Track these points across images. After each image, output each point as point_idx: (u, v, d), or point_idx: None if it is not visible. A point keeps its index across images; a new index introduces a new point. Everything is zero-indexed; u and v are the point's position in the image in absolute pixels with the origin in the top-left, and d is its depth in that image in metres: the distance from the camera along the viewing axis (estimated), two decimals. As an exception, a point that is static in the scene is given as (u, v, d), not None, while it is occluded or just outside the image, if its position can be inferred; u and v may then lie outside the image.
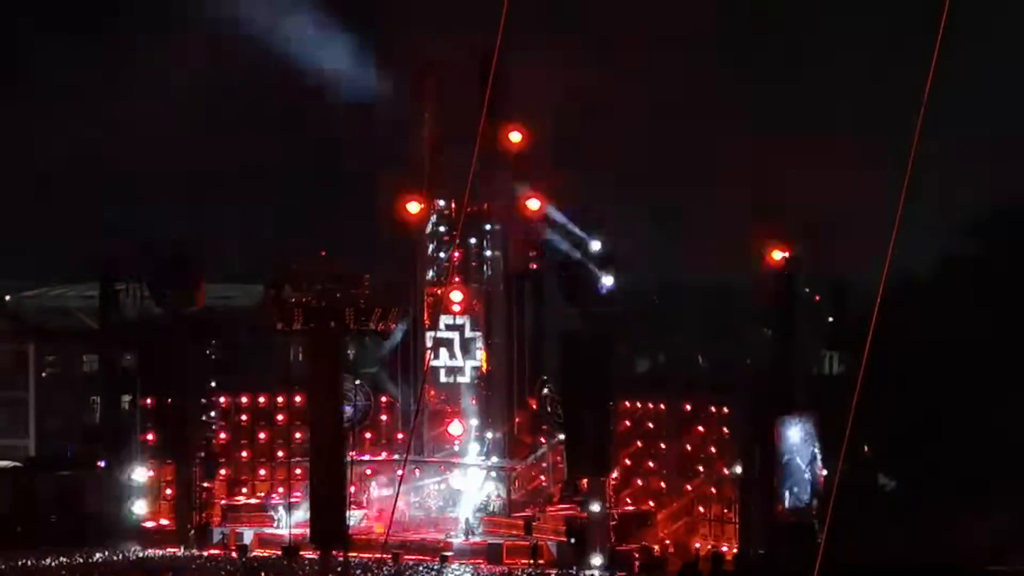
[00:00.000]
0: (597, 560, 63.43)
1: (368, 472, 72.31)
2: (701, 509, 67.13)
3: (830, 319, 67.99)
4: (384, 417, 73.90)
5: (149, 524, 69.87)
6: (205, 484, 70.78)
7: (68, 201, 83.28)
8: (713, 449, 66.94)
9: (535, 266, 72.45)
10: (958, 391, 70.12)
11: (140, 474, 70.11)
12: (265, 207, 77.56)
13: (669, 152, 77.60)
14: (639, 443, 69.68)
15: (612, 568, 63.12)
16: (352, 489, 65.35)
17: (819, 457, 66.75)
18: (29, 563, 61.93)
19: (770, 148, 76.96)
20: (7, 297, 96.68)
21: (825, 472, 67.23)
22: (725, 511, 66.00)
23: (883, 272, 24.32)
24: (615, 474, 66.63)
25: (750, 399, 65.95)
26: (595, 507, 64.42)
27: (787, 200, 72.01)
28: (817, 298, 70.09)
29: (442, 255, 73.17)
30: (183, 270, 69.58)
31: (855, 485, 73.01)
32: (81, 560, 63.03)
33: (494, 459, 71.21)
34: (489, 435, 72.09)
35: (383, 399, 73.73)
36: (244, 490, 72.79)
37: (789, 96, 79.15)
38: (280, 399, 73.20)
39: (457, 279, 72.71)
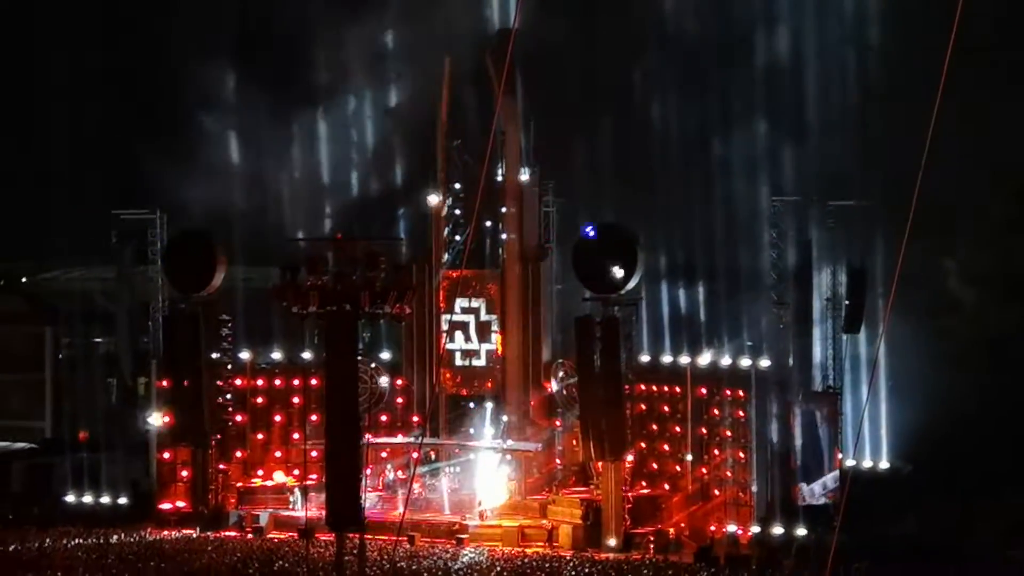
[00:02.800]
0: (612, 542, 63.58)
1: (384, 455, 72.42)
2: (717, 492, 67.05)
3: (847, 303, 67.86)
4: (400, 400, 74.00)
5: (165, 506, 70.08)
6: (221, 466, 70.94)
7: (85, 181, 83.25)
8: (728, 432, 66.83)
9: (551, 248, 72.45)
10: (977, 375, 70.10)
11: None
12: (280, 188, 77.51)
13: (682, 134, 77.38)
14: (654, 426, 69.64)
15: (627, 551, 63.12)
16: (368, 472, 65.34)
17: (835, 441, 66.78)
18: (46, 544, 62.06)
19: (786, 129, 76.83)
20: (24, 279, 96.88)
21: (841, 455, 67.29)
22: (741, 494, 65.92)
23: (899, 255, 24.28)
24: (630, 457, 66.59)
25: (766, 382, 65.88)
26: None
27: (807, 182, 71.92)
28: (834, 281, 70.08)
29: (457, 238, 73.16)
30: (199, 252, 69.62)
31: (871, 468, 73.24)
32: (97, 541, 63.13)
33: (509, 442, 71.20)
34: (504, 418, 72.09)
35: (399, 382, 73.83)
36: (260, 472, 72.91)
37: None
38: (296, 381, 73.31)
39: (472, 262, 72.65)
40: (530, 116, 71.69)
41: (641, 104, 76.91)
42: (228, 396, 71.46)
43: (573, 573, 56.92)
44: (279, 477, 70.90)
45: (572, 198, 73.82)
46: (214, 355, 70.41)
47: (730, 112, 77.51)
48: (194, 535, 67.18)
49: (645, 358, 69.89)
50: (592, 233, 65.22)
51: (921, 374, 70.71)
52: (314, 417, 70.98)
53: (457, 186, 73.05)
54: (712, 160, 76.13)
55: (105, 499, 71.92)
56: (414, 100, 74.75)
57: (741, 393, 66.41)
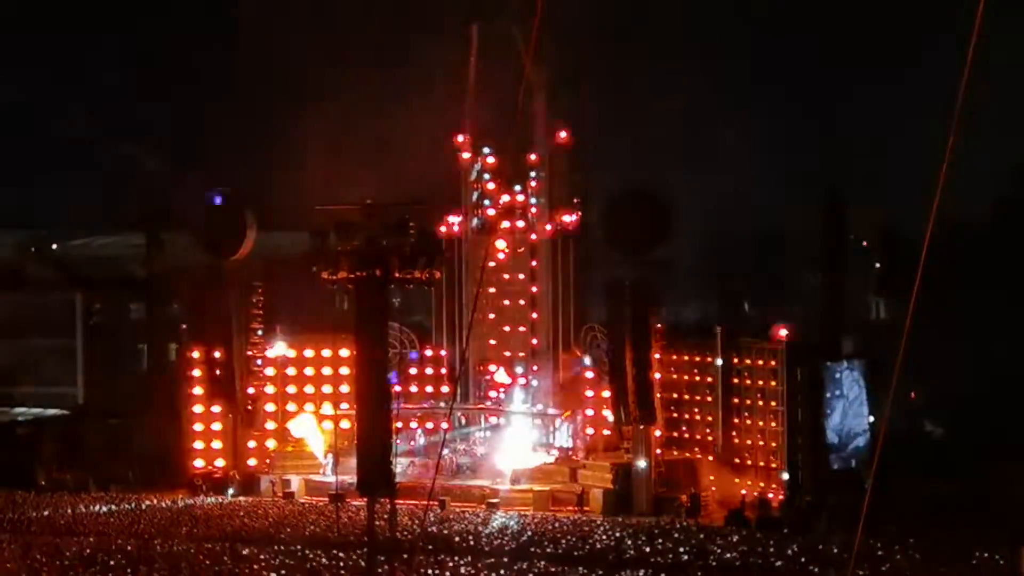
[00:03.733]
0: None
1: (414, 420, 72.50)
2: (747, 456, 66.99)
3: (877, 265, 67.62)
4: (430, 366, 74.00)
5: (198, 472, 70.37)
6: (253, 433, 71.16)
7: (114, 147, 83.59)
8: (759, 397, 66.72)
9: (580, 214, 72.29)
10: (1007, 339, 69.82)
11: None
12: (308, 154, 77.53)
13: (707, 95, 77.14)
14: (685, 392, 69.57)
15: (658, 515, 63.16)
16: (398, 437, 65.51)
17: (866, 404, 66.60)
18: (79, 510, 62.42)
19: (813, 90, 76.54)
20: (54, 246, 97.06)
21: (872, 419, 67.11)
22: (771, 458, 65.87)
23: (930, 217, 24.10)
24: (661, 422, 66.54)
25: (797, 346, 65.70)
26: (640, 461, 64.83)
27: (832, 144, 71.67)
28: (865, 243, 69.85)
29: (487, 203, 73.04)
30: (229, 218, 69.74)
31: (902, 432, 73.01)
32: (130, 507, 63.45)
33: (540, 407, 71.24)
34: (535, 383, 72.11)
35: (429, 348, 73.81)
36: (291, 439, 73.10)
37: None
38: (326, 348, 73.42)
39: (502, 228, 72.54)
40: (558, 81, 71.44)
41: (673, 66, 76.62)
42: (259, 363, 71.61)
43: (604, 537, 56.99)
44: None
45: (601, 163, 73.72)
46: (244, 322, 70.55)
47: (764, 74, 77.33)
48: (226, 500, 67.51)
49: (676, 324, 69.75)
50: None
51: (953, 336, 70.46)
52: (344, 384, 71.23)
53: (486, 151, 72.91)
54: (746, 123, 75.87)
55: (137, 465, 72.19)
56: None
57: (772, 358, 66.28)
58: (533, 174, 72.28)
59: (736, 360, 67.89)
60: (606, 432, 69.60)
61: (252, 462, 70.97)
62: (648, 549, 54.37)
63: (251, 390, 71.50)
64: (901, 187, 69.95)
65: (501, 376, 72.60)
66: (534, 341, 72.61)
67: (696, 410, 69.38)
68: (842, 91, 77.62)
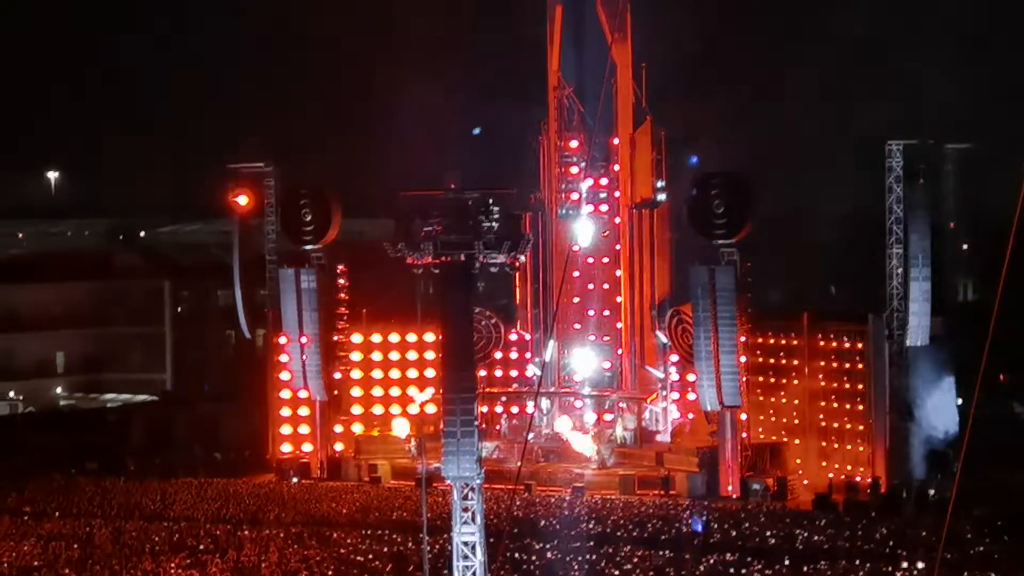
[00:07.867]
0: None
1: (500, 404, 72.56)
2: (834, 440, 66.52)
3: (965, 247, 66.89)
4: (515, 349, 73.99)
5: (285, 456, 70.80)
6: (340, 417, 71.52)
7: (201, 133, 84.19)
8: (846, 379, 66.23)
9: (664, 196, 71.91)
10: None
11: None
12: (396, 139, 77.69)
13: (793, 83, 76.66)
14: (771, 374, 69.15)
15: (744, 499, 62.89)
16: (484, 422, 65.49)
17: (954, 386, 65.99)
18: (168, 494, 63.00)
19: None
20: (142, 233, 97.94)
21: (960, 401, 66.48)
22: (859, 441, 65.36)
23: (1019, 198, 23.84)
24: (747, 406, 66.13)
25: (884, 328, 65.13)
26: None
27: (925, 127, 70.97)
28: (952, 225, 69.11)
29: (570, 186, 72.81)
30: (315, 204, 69.84)
31: (990, 414, 72.24)
32: (218, 492, 63.88)
33: (625, 390, 71.06)
34: (620, 365, 71.94)
35: (514, 332, 73.78)
36: (377, 423, 73.38)
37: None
38: (412, 333, 73.59)
39: (586, 211, 72.33)
40: (643, 63, 71.13)
41: (755, 47, 76.21)
42: (345, 348, 71.95)
43: (690, 521, 56.83)
44: (399, 428, 71.07)
45: (685, 144, 73.35)
46: (330, 308, 70.81)
47: (846, 53, 76.67)
48: (314, 484, 67.84)
49: (760, 306, 69.18)
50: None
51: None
52: (429, 368, 71.36)
53: (569, 133, 72.71)
54: (828, 102, 75.31)
55: (225, 450, 72.65)
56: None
57: (859, 340, 65.73)
58: (617, 156, 71.97)
59: (823, 342, 67.37)
60: (691, 416, 69.38)
61: (339, 447, 71.32)
62: (735, 533, 54.21)
63: (337, 375, 71.71)
64: (992, 166, 69.29)
65: (585, 359, 72.48)
66: (619, 325, 72.40)
67: (782, 393, 68.92)
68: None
